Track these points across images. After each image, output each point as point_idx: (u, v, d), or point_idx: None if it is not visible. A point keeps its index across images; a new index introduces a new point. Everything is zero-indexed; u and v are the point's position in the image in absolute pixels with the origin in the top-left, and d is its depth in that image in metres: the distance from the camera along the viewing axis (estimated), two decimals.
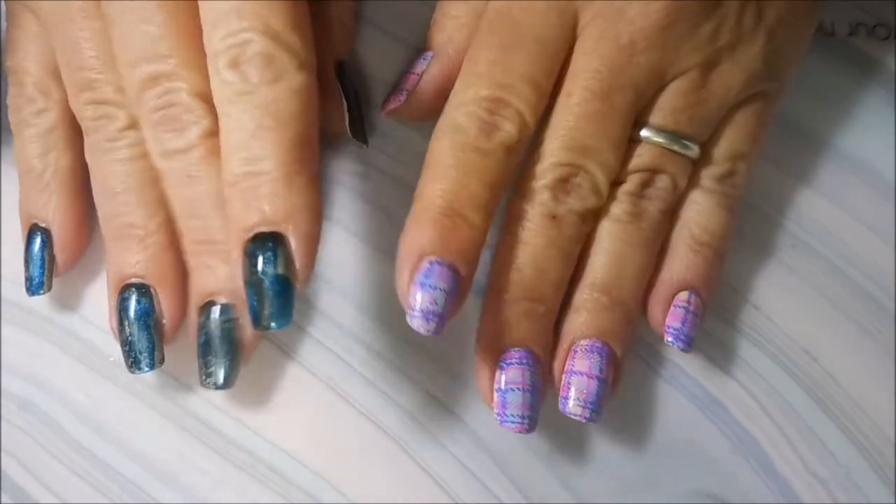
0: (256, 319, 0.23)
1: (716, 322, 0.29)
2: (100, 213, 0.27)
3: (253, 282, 0.22)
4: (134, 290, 0.26)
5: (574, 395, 0.25)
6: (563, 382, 0.26)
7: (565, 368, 0.26)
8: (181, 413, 0.28)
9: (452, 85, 0.28)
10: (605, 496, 0.27)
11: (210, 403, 0.28)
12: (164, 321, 0.26)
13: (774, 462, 0.28)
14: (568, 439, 0.28)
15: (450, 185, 0.25)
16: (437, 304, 0.23)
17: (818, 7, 0.29)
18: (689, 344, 0.27)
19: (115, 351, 0.28)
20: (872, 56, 0.32)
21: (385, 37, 0.31)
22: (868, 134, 0.31)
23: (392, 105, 0.28)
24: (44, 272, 0.27)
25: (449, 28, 0.28)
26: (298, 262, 0.22)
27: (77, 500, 0.27)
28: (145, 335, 0.26)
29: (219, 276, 0.25)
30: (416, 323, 0.23)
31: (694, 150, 0.26)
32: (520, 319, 0.25)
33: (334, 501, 0.27)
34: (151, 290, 0.26)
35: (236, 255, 0.23)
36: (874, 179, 0.30)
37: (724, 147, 0.27)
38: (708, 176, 0.27)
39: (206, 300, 0.26)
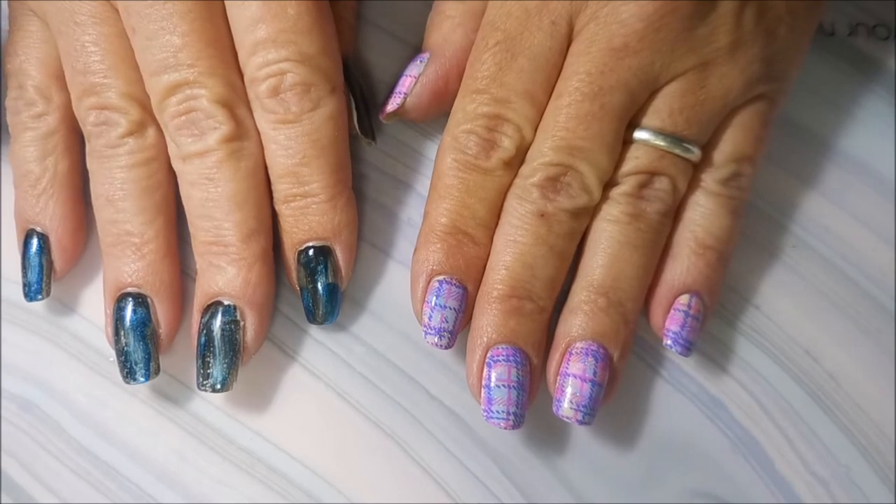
0: (312, 318, 0.27)
1: (716, 322, 0.29)
2: (98, 220, 0.27)
3: (308, 289, 0.27)
4: (130, 299, 0.26)
5: (567, 398, 0.25)
6: (557, 384, 0.26)
7: (560, 370, 0.26)
8: (181, 413, 0.28)
9: (449, 86, 0.28)
10: (605, 496, 0.27)
11: (210, 403, 0.28)
12: (160, 331, 0.26)
13: (774, 462, 0.28)
14: (568, 439, 0.28)
15: (453, 205, 0.26)
16: (447, 321, 0.26)
17: (820, 7, 0.28)
18: (688, 348, 0.27)
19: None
20: (872, 56, 0.32)
21: (385, 36, 0.31)
22: (868, 134, 0.31)
23: (389, 108, 0.28)
24: (42, 277, 0.27)
25: (444, 28, 0.28)
26: (343, 270, 0.27)
27: (77, 500, 0.27)
28: (141, 345, 0.26)
29: (226, 277, 0.26)
30: (431, 339, 0.26)
31: (694, 153, 0.26)
32: (508, 317, 0.26)
33: (334, 501, 0.27)
34: (148, 299, 0.26)
35: (290, 261, 0.27)
36: (874, 179, 0.30)
37: (727, 149, 0.27)
38: (712, 178, 0.27)
39: (212, 300, 0.26)
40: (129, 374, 0.26)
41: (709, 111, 0.26)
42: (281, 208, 0.27)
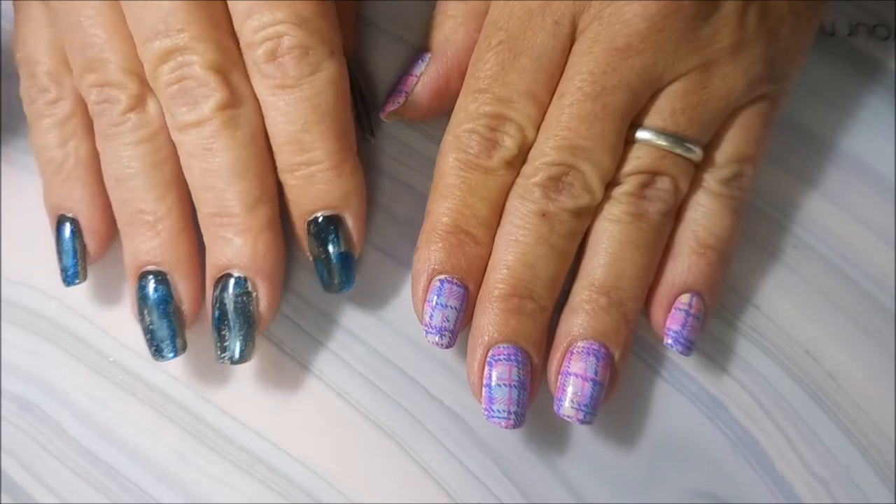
0: (328, 287, 0.27)
1: (716, 322, 0.29)
2: (111, 200, 0.27)
3: (322, 259, 0.27)
4: (151, 277, 0.26)
5: (569, 397, 0.25)
6: (558, 383, 0.26)
7: (561, 370, 0.26)
8: (181, 413, 0.28)
9: (450, 86, 0.28)
10: (605, 496, 0.27)
11: (210, 403, 0.28)
12: (182, 307, 0.26)
13: (774, 462, 0.28)
14: (568, 439, 0.28)
15: (454, 204, 0.26)
16: (448, 320, 0.26)
17: (822, 7, 0.28)
18: (689, 347, 0.27)
19: (115, 351, 0.28)
20: (872, 56, 0.32)
21: (385, 36, 0.31)
22: (868, 134, 0.31)
23: (391, 107, 0.28)
24: (77, 261, 0.27)
25: (447, 28, 0.28)
26: (355, 237, 0.27)
27: (77, 500, 0.27)
28: (165, 322, 0.26)
29: (234, 248, 0.26)
30: (432, 338, 0.26)
31: (696, 153, 0.26)
32: (509, 316, 0.26)
33: (334, 501, 0.27)
34: (168, 276, 0.26)
35: (300, 232, 0.27)
36: (874, 179, 0.30)
37: (729, 149, 0.27)
38: (713, 178, 0.27)
39: (222, 273, 0.26)
40: (157, 351, 0.26)
41: (711, 111, 0.26)
42: (285, 178, 0.26)
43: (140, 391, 0.28)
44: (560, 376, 0.26)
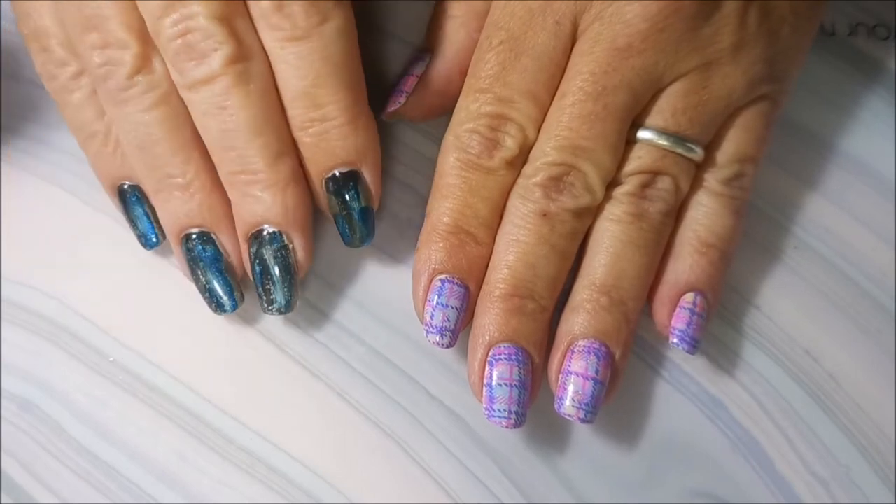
0: (349, 241, 0.27)
1: (717, 322, 0.29)
2: (136, 169, 0.27)
3: (342, 215, 0.27)
4: (196, 238, 0.26)
5: (570, 396, 0.25)
6: (559, 383, 0.26)
7: (562, 369, 0.26)
8: (181, 413, 0.28)
9: (451, 86, 0.28)
10: (605, 496, 0.27)
11: (210, 403, 0.28)
12: (231, 261, 0.27)
13: (774, 462, 0.28)
14: (568, 439, 0.28)
15: (455, 204, 0.26)
16: (449, 320, 0.26)
17: (822, 7, 0.28)
18: (695, 346, 0.27)
19: (115, 351, 0.28)
20: (872, 56, 0.32)
21: (385, 36, 0.31)
22: (868, 134, 0.31)
23: (392, 107, 0.28)
24: (152, 225, 0.27)
25: (447, 28, 0.28)
26: (374, 190, 0.27)
27: (77, 500, 0.27)
28: (221, 279, 0.27)
29: (264, 204, 0.26)
30: (432, 338, 0.26)
31: (697, 153, 0.26)
32: (510, 316, 0.25)
33: (334, 501, 0.27)
34: (212, 235, 0.26)
35: (318, 189, 0.27)
36: (874, 179, 0.30)
37: (730, 149, 0.27)
38: (715, 178, 0.27)
39: (256, 229, 0.26)
40: (218, 306, 0.27)
41: (711, 111, 0.26)
42: (299, 135, 0.26)
43: (140, 391, 0.28)
44: (561, 375, 0.26)
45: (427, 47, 0.29)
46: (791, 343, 0.29)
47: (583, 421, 0.25)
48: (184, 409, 0.28)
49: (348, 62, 0.26)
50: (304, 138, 0.26)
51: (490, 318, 0.26)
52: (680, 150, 0.26)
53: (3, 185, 0.29)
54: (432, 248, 0.26)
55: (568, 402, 0.25)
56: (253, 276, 0.26)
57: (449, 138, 0.27)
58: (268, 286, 0.26)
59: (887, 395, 0.28)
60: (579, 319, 0.26)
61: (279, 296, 0.26)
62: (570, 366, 0.26)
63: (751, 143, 0.27)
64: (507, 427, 0.25)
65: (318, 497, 0.27)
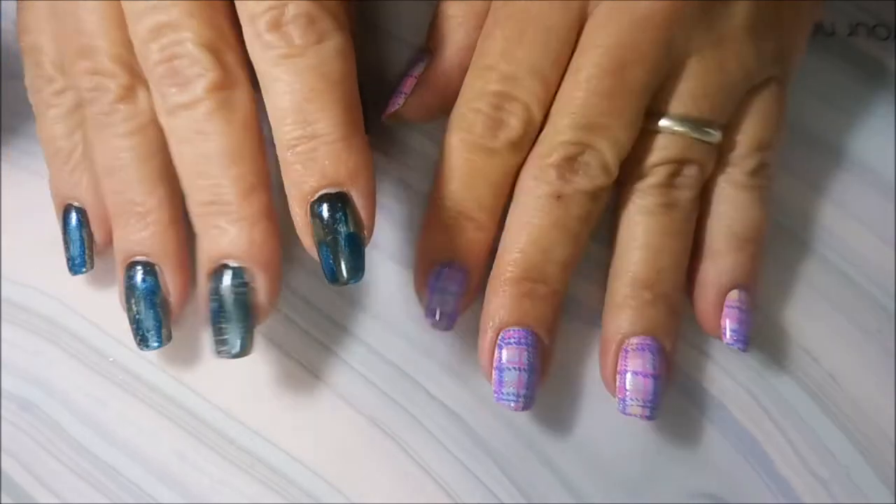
0: (333, 277, 0.24)
1: None
2: (102, 190, 0.26)
3: (327, 242, 0.24)
4: (139, 267, 0.26)
5: (632, 396, 0.25)
6: (617, 384, 0.26)
7: (619, 369, 0.26)
8: (181, 413, 0.28)
9: (450, 85, 0.28)
10: (605, 496, 0.27)
11: (210, 403, 0.28)
12: (169, 298, 0.26)
13: (774, 462, 0.28)
14: (568, 439, 0.28)
15: (457, 187, 0.26)
16: (448, 305, 0.26)
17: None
18: (748, 343, 0.27)
19: (115, 351, 0.28)
20: (872, 56, 0.32)
21: (385, 37, 0.31)
22: (868, 134, 0.31)
23: (391, 108, 0.28)
24: (84, 250, 0.27)
25: (447, 28, 0.28)
26: (364, 219, 0.24)
27: (77, 500, 0.27)
28: (152, 313, 0.26)
29: (229, 238, 0.24)
30: (431, 322, 0.26)
31: (717, 136, 0.26)
32: (521, 299, 0.25)
33: (334, 501, 0.27)
34: (156, 267, 0.26)
35: (301, 217, 0.24)
36: (874, 179, 0.30)
37: (751, 139, 0.27)
38: (740, 171, 0.27)
39: (217, 264, 0.24)
40: (142, 340, 0.26)
41: (728, 92, 0.26)
42: (285, 155, 0.24)
43: (140, 391, 0.28)
44: (618, 376, 0.26)
45: (426, 47, 0.29)
46: (791, 343, 0.29)
47: (648, 419, 0.25)
48: (184, 409, 0.28)
49: (344, 82, 0.24)
50: (290, 157, 0.23)
51: (500, 301, 0.25)
52: (702, 137, 0.26)
53: (3, 185, 0.29)
54: (434, 233, 0.26)
55: (632, 402, 0.25)
56: (208, 313, 0.24)
57: (454, 116, 0.27)
58: (222, 325, 0.24)
59: (887, 395, 0.28)
60: (626, 317, 0.26)
61: (233, 338, 0.24)
62: (626, 366, 0.26)
63: (770, 128, 0.27)
64: (515, 410, 0.25)
65: (318, 497, 0.27)
